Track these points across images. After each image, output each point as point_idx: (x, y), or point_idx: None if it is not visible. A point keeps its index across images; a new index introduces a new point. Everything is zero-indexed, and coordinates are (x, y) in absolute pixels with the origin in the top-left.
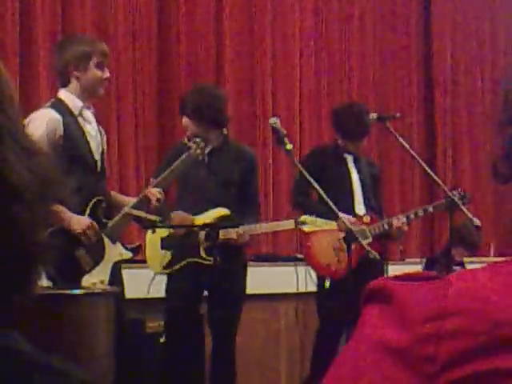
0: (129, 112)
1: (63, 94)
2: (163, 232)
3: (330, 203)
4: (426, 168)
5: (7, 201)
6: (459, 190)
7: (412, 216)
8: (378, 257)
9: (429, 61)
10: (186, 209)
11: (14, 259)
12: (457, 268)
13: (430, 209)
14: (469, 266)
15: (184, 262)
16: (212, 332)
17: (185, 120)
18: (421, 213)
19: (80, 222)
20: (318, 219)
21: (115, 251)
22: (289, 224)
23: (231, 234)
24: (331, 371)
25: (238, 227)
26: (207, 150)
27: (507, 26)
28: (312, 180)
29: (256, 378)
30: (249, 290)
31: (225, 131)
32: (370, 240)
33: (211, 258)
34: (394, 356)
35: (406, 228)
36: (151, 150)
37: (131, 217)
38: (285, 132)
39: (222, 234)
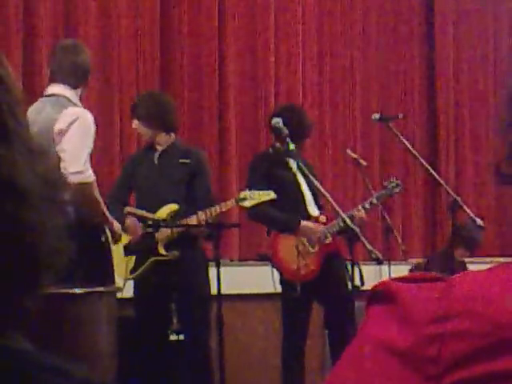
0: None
1: (69, 94)
2: (124, 239)
3: (332, 201)
4: (429, 168)
5: (15, 204)
6: (391, 179)
7: (367, 206)
8: (380, 256)
9: (431, 62)
10: (142, 209)
11: (21, 263)
12: (458, 268)
13: (388, 193)
14: (470, 266)
15: (147, 263)
16: (183, 334)
17: (135, 123)
18: (374, 201)
19: (118, 226)
20: (255, 192)
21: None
22: (230, 204)
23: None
24: (334, 371)
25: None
26: (157, 154)
27: (510, 25)
28: (318, 184)
29: (258, 377)
30: (251, 290)
31: (173, 136)
32: (330, 239)
33: (170, 253)
34: (397, 357)
35: (365, 218)
36: None
37: (134, 216)
38: (287, 132)
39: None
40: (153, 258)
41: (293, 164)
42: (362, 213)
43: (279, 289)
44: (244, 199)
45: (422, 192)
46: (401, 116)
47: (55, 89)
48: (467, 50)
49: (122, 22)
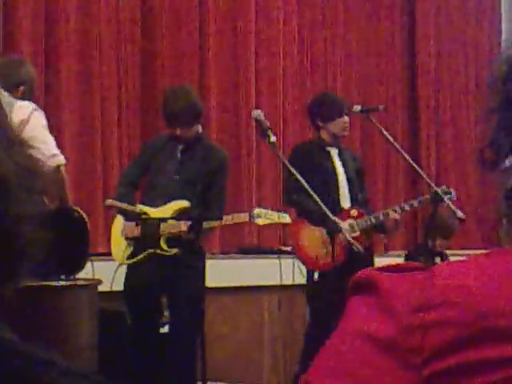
0: (112, 112)
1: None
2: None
3: (320, 202)
4: (410, 161)
5: None
6: (444, 186)
7: (407, 207)
8: (361, 249)
9: (412, 53)
10: (151, 199)
11: (0, 252)
12: (438, 258)
13: (416, 203)
14: (452, 257)
15: (145, 253)
16: (172, 329)
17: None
18: (416, 204)
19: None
20: (270, 211)
21: None
22: (243, 217)
23: (181, 226)
24: (316, 362)
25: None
26: (180, 147)
27: (491, 13)
28: (299, 176)
29: (239, 369)
30: (232, 282)
31: (199, 129)
32: (358, 233)
33: (171, 250)
34: (380, 347)
35: (400, 220)
36: (135, 150)
37: (116, 209)
38: (268, 124)
39: (173, 226)
40: (151, 251)
41: (334, 154)
42: (397, 215)
43: (262, 282)
44: (258, 216)
45: (404, 184)
46: (382, 107)
47: None
48: (448, 39)
49: (103, 19)
